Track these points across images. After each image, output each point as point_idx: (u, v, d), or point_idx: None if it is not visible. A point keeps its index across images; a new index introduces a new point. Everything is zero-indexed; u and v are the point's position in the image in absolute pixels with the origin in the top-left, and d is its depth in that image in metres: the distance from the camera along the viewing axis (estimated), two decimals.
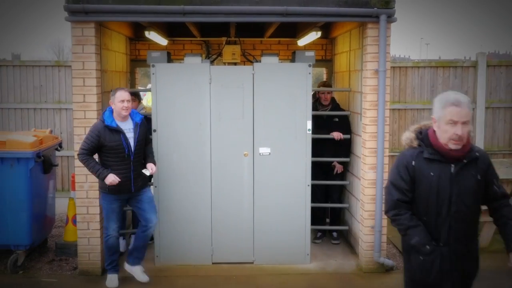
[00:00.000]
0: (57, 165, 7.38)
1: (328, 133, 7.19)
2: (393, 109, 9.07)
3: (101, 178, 5.72)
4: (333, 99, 7.55)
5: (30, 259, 6.90)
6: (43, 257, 7.04)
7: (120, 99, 5.76)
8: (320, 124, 7.30)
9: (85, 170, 6.26)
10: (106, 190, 5.86)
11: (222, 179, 6.63)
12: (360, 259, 6.74)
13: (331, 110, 7.44)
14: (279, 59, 6.86)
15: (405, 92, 9.34)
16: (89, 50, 6.13)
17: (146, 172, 6.03)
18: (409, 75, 9.34)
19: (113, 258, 6.13)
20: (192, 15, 6.06)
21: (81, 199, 6.34)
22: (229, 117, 6.54)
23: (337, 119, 7.33)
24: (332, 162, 7.43)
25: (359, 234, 6.84)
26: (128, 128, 5.87)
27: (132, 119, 5.96)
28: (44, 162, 6.69)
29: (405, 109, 9.32)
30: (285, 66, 6.89)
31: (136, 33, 8.44)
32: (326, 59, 9.08)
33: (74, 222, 6.84)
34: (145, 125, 6.06)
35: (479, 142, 9.39)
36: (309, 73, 6.52)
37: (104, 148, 5.76)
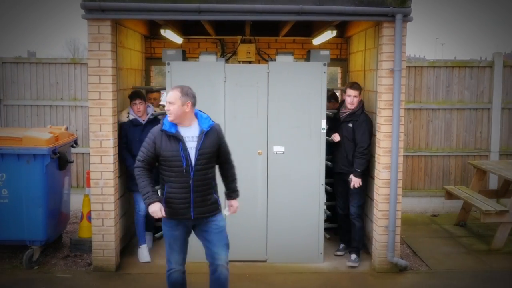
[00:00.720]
0: (72, 162, 7.43)
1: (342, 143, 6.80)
2: (408, 109, 9.03)
3: (146, 204, 4.68)
4: (361, 104, 6.74)
5: (45, 254, 6.97)
6: (58, 253, 7.10)
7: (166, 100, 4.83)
8: (335, 129, 6.90)
9: (100, 167, 6.32)
10: (165, 210, 4.75)
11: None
12: (374, 258, 6.72)
13: (350, 115, 6.72)
14: (294, 58, 6.87)
15: (420, 92, 9.28)
16: (105, 47, 6.17)
17: (225, 211, 5.10)
18: (424, 75, 9.28)
19: None
20: (207, 13, 6.07)
21: (96, 195, 6.38)
22: (243, 116, 6.55)
23: (350, 125, 6.71)
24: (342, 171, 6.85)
25: (372, 234, 6.82)
26: (190, 136, 4.72)
27: (199, 125, 4.80)
28: (60, 159, 6.74)
29: (420, 109, 9.27)
30: (300, 65, 6.89)
31: (152, 31, 8.48)
32: (341, 58, 9.06)
33: (89, 218, 6.89)
34: (216, 135, 4.84)
35: (495, 143, 9.32)
36: (324, 72, 6.51)
37: (160, 159, 4.74)
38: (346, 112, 6.76)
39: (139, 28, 7.79)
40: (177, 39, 8.40)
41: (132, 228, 7.33)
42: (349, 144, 6.71)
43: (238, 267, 6.52)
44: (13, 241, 6.62)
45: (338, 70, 9.76)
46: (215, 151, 4.83)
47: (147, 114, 6.85)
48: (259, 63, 8.12)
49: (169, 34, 7.69)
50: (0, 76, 9.10)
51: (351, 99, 6.65)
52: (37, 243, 6.57)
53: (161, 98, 8.30)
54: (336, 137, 6.79)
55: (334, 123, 6.92)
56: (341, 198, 7.00)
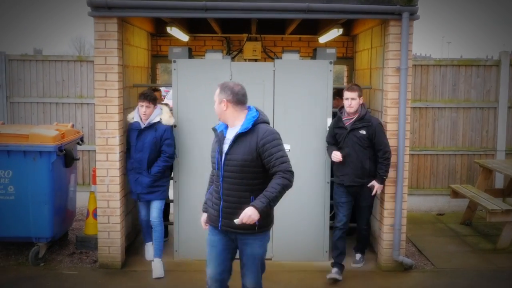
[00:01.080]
0: (78, 159, 7.45)
1: (352, 152, 6.16)
2: (414, 107, 9.01)
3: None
4: (362, 107, 6.20)
5: (51, 251, 6.99)
6: (64, 250, 7.12)
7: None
8: (341, 137, 6.24)
9: (106, 165, 6.34)
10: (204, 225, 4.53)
11: None
12: (379, 257, 6.71)
13: (358, 121, 6.15)
14: (300, 56, 6.86)
15: (426, 90, 9.26)
16: (111, 45, 6.18)
17: (236, 220, 4.21)
18: (430, 74, 9.26)
19: None
20: (213, 11, 6.07)
21: (102, 193, 6.40)
22: None
23: (364, 132, 6.15)
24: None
25: (378, 233, 6.81)
26: (229, 138, 4.26)
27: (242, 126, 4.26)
28: (66, 156, 6.76)
29: (426, 107, 9.24)
30: (306, 63, 6.88)
31: (158, 29, 8.49)
32: (347, 57, 9.05)
33: (95, 215, 6.90)
34: (255, 140, 4.12)
35: (501, 142, 9.30)
36: (330, 70, 6.50)
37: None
38: (352, 118, 6.17)
39: (145, 25, 7.80)
40: (183, 37, 8.41)
41: (138, 225, 7.34)
42: (363, 152, 6.15)
43: None
44: (19, 238, 6.65)
45: (344, 68, 9.76)
46: (252, 159, 4.10)
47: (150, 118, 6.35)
48: (265, 61, 8.12)
49: (175, 31, 7.69)
50: (6, 74, 9.12)
51: (348, 102, 6.10)
52: (43, 240, 6.58)
53: (162, 97, 8.28)
54: (337, 157, 6.17)
55: (333, 135, 6.32)
56: (344, 210, 6.31)
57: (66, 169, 6.91)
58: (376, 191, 6.25)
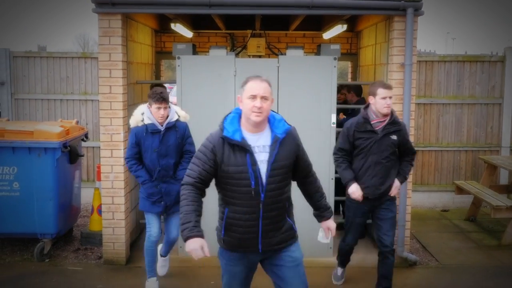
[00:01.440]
0: (83, 156, 7.47)
1: (380, 159, 5.30)
2: (418, 103, 8.99)
3: (183, 237, 3.48)
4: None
5: (56, 247, 7.01)
6: (69, 246, 7.15)
7: (250, 94, 3.54)
8: (367, 144, 5.31)
9: (110, 161, 6.34)
10: (222, 241, 3.83)
11: None
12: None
13: (390, 125, 5.29)
14: (304, 52, 6.85)
15: (431, 86, 9.24)
16: (115, 41, 6.19)
17: (324, 239, 4.16)
18: (435, 70, 9.24)
19: None
20: (217, 7, 6.07)
21: (106, 189, 6.41)
22: None
23: (395, 137, 5.29)
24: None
25: None
26: (261, 146, 3.60)
27: (272, 130, 3.66)
28: (71, 152, 6.78)
29: (430, 103, 9.23)
30: (310, 59, 6.88)
31: (162, 25, 8.50)
32: (351, 53, 9.04)
33: (99, 212, 6.93)
34: (293, 142, 3.72)
35: (506, 138, 9.27)
36: (334, 67, 6.49)
37: (221, 175, 3.63)
38: (383, 120, 5.27)
39: (149, 22, 7.80)
40: (187, 33, 8.42)
41: (143, 221, 7.33)
42: (391, 161, 5.36)
43: None
44: (24, 234, 6.67)
45: (348, 64, 9.75)
46: (292, 163, 3.73)
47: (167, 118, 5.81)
48: (269, 57, 8.11)
49: (179, 28, 7.70)
50: (11, 70, 9.14)
51: (386, 101, 5.17)
52: (48, 236, 6.61)
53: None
54: (356, 196, 5.32)
55: (352, 141, 5.37)
56: (356, 232, 5.71)
57: (70, 165, 6.93)
58: (393, 191, 5.44)
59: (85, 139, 7.41)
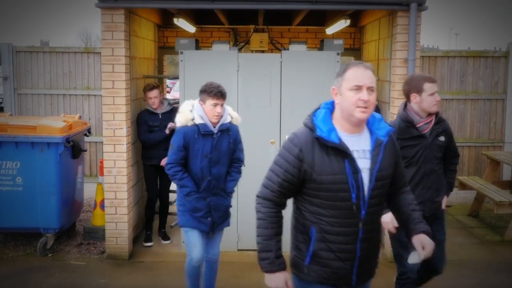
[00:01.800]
0: (85, 150, 7.47)
1: (433, 168, 4.49)
2: None
3: (262, 268, 3.05)
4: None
5: (59, 242, 7.02)
6: (72, 241, 7.16)
7: (354, 84, 2.85)
8: (417, 151, 4.45)
9: (113, 156, 6.34)
10: (304, 271, 3.03)
11: (248, 166, 6.62)
12: (386, 248, 6.71)
13: (437, 124, 4.53)
14: (307, 47, 6.84)
15: None
16: (118, 36, 6.18)
17: (414, 259, 3.20)
18: (438, 65, 9.22)
19: None
20: (220, 2, 6.07)
21: (109, 184, 6.42)
22: (256, 105, 6.54)
23: (443, 138, 4.55)
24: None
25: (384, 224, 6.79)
26: (361, 150, 2.91)
27: (371, 131, 2.99)
28: (73, 147, 6.78)
29: None
30: (313, 54, 6.86)
31: (165, 20, 8.49)
32: (354, 48, 9.02)
33: (102, 207, 6.93)
34: (394, 147, 3.05)
35: (509, 133, 9.25)
36: (338, 62, 6.48)
37: (309, 185, 2.91)
38: (430, 121, 4.48)
39: (152, 17, 7.79)
40: (190, 28, 8.40)
41: (145, 217, 7.33)
42: (441, 164, 4.62)
43: (250, 255, 6.53)
44: (27, 229, 6.69)
45: (351, 59, 9.72)
46: (393, 173, 3.04)
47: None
48: (272, 52, 8.10)
49: (182, 23, 7.68)
50: (14, 65, 9.14)
51: (435, 97, 4.40)
52: (51, 231, 6.62)
53: (168, 89, 8.28)
54: (391, 227, 4.20)
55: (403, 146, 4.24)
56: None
57: (73, 160, 6.93)
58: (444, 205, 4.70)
59: (88, 134, 7.42)
